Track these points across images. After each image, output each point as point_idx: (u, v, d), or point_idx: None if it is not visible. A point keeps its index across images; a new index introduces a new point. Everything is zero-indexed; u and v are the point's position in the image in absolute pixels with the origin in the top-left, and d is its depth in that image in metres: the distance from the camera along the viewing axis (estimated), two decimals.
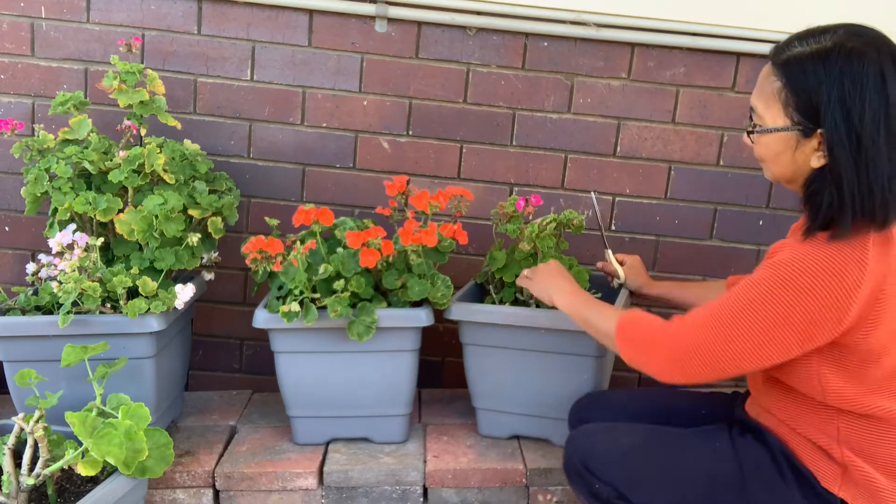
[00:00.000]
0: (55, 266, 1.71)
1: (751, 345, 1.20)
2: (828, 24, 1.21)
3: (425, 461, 1.78)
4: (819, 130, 1.18)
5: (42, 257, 1.78)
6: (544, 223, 1.80)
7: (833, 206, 1.17)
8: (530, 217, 1.82)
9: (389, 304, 1.75)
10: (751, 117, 1.29)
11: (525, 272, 1.71)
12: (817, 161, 1.20)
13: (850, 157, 1.15)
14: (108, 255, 1.79)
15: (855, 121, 1.14)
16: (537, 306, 1.81)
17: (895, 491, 1.22)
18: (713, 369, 1.24)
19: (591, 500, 1.38)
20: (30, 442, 1.44)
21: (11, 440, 1.45)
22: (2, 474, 1.45)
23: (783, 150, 1.23)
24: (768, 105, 1.23)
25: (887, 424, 1.22)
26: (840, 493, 1.23)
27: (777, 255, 1.22)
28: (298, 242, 1.66)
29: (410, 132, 2.12)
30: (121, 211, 1.72)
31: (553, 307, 1.60)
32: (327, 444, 1.84)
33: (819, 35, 1.20)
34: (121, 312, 1.64)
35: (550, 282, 1.61)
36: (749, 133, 1.29)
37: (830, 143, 1.16)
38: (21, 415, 1.45)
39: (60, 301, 1.59)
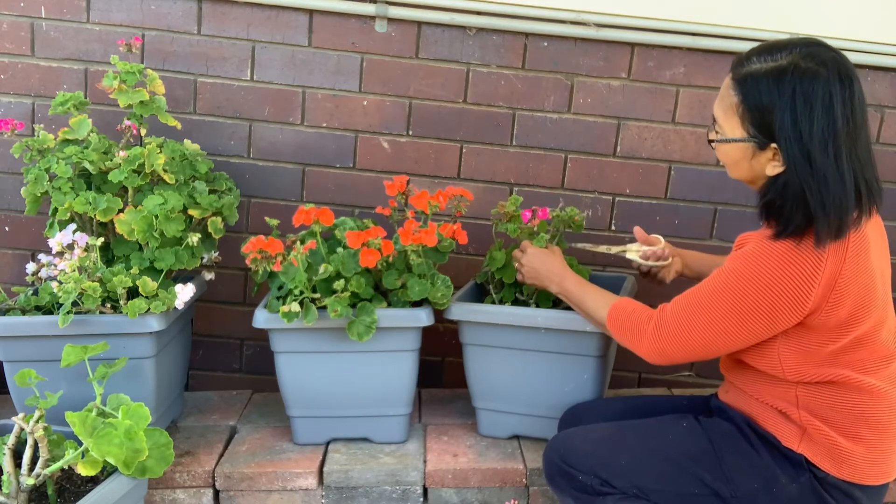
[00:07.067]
0: (55, 266, 1.71)
1: (723, 332, 1.33)
2: (787, 40, 1.29)
3: (425, 461, 1.78)
4: (773, 144, 1.27)
5: (42, 257, 1.78)
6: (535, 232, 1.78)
7: (796, 220, 1.25)
8: (535, 230, 1.82)
9: (389, 304, 1.75)
10: (714, 124, 1.37)
11: (517, 253, 1.74)
12: (772, 170, 1.30)
13: (806, 175, 1.24)
14: (108, 255, 1.79)
15: (805, 140, 1.23)
16: (537, 306, 1.81)
17: (855, 451, 1.33)
18: (691, 353, 1.38)
19: (578, 495, 1.42)
20: (30, 442, 1.44)
21: (11, 440, 1.45)
22: (2, 474, 1.46)
23: (741, 159, 1.33)
24: (727, 117, 1.32)
25: (841, 388, 1.33)
26: (800, 450, 1.35)
27: (743, 248, 1.33)
28: (298, 242, 1.66)
29: (410, 132, 2.11)
30: (121, 211, 1.72)
31: (543, 289, 1.71)
32: (327, 444, 1.84)
33: (777, 52, 1.27)
34: (121, 312, 1.64)
35: (546, 266, 1.67)
36: (710, 142, 1.39)
37: (787, 161, 1.26)
38: (21, 415, 1.45)
39: (60, 301, 1.59)
